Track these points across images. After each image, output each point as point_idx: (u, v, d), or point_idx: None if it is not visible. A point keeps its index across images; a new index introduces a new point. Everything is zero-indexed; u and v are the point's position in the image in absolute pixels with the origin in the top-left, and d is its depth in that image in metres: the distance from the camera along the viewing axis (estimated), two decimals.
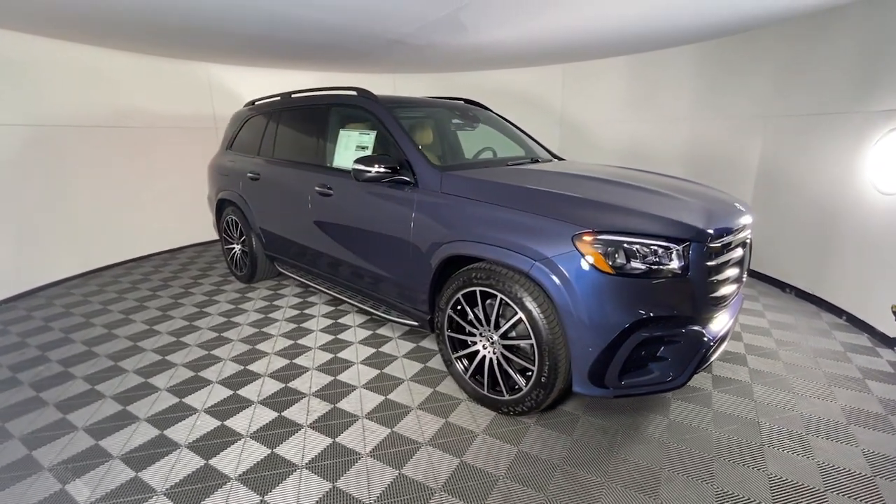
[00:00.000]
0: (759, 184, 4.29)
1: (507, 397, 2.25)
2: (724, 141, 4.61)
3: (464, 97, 3.97)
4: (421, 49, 4.77)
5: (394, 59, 5.47)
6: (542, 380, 2.08)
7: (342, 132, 3.21)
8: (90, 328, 3.45)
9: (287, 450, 2.07)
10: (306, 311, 3.68)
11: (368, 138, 2.98)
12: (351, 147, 3.09)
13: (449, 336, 2.47)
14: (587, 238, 1.91)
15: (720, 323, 2.09)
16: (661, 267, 1.88)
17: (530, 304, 2.04)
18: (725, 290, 2.11)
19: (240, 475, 1.92)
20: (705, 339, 1.98)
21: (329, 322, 3.46)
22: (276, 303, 3.88)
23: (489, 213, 2.23)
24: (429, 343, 3.10)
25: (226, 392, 2.55)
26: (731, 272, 2.16)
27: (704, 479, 1.87)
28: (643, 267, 1.87)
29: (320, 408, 2.39)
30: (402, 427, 2.22)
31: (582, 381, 1.99)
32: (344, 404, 2.41)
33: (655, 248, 1.88)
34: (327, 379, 2.67)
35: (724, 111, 4.59)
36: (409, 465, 1.96)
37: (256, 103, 4.25)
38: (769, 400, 2.41)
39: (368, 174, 2.61)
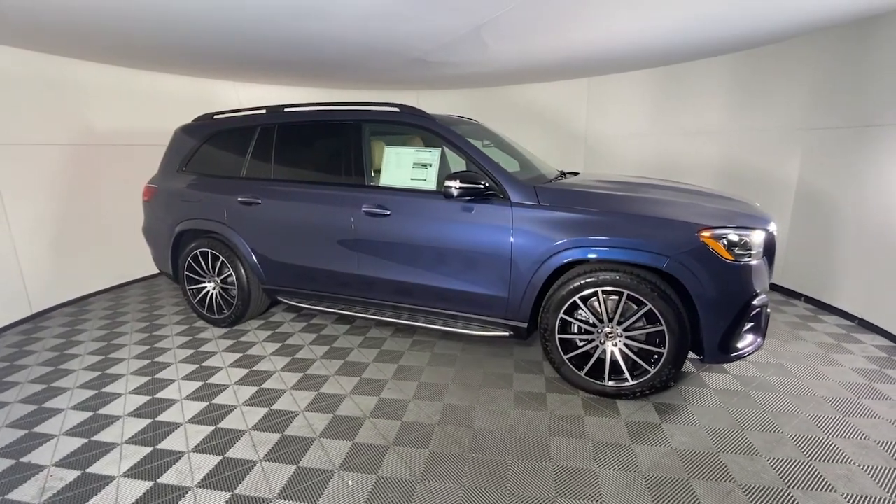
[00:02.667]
0: (800, 198, 4.07)
1: (632, 383, 2.51)
2: (758, 155, 4.43)
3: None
4: (441, 66, 4.74)
5: (413, 77, 5.41)
6: (672, 359, 2.40)
7: (389, 149, 3.08)
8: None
9: None
10: (337, 345, 3.34)
11: (430, 155, 2.93)
12: (405, 165, 2.99)
13: (560, 339, 2.62)
14: (706, 234, 2.31)
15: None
16: (757, 251, 2.38)
17: (661, 296, 2.34)
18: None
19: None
20: (768, 309, 2.55)
21: (392, 349, 3.23)
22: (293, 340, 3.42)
23: (604, 220, 2.48)
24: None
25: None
26: None
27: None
28: (748, 252, 2.35)
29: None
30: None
31: (712, 352, 2.37)
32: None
33: (752, 236, 2.37)
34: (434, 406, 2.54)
35: (758, 124, 4.40)
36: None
37: (218, 117, 3.70)
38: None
39: (463, 191, 2.62)
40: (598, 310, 2.52)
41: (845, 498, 1.84)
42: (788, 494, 1.87)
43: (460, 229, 2.77)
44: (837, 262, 3.72)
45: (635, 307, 2.45)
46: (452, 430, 2.34)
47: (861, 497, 1.85)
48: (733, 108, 4.65)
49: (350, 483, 1.99)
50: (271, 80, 5.73)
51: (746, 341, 2.43)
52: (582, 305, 2.54)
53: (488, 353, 3.18)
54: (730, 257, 2.30)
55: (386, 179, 3.05)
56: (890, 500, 1.83)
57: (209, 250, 3.60)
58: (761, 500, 1.85)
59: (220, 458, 2.17)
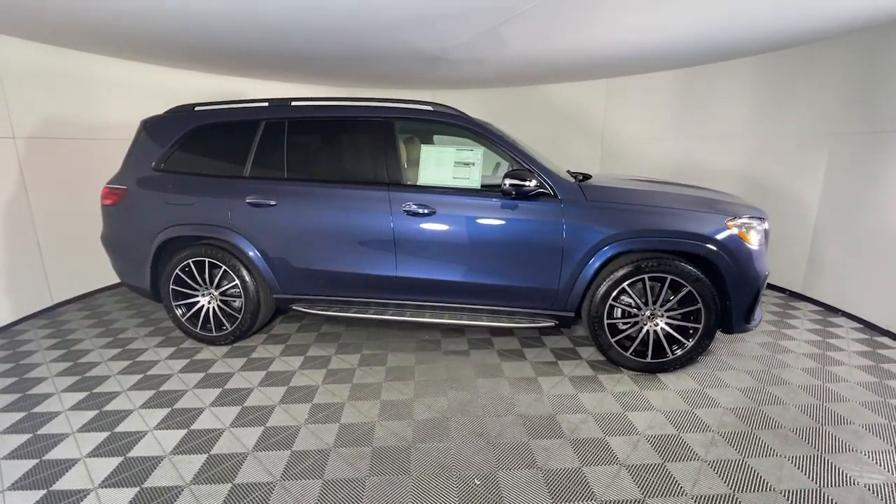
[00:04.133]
0: (825, 204, 3.97)
1: (672, 356, 2.84)
2: (783, 159, 4.30)
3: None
4: (457, 65, 4.64)
5: (427, 76, 5.27)
6: (706, 333, 2.78)
7: (427, 148, 3.04)
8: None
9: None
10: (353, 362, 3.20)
11: (473, 154, 2.97)
12: (446, 163, 3.00)
13: (608, 323, 2.86)
14: (732, 223, 2.72)
15: None
16: (764, 238, 2.86)
17: (698, 279, 2.70)
18: None
19: None
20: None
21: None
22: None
23: (647, 214, 2.77)
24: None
25: None
26: None
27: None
28: (761, 238, 2.81)
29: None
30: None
31: (739, 323, 2.80)
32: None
33: (762, 226, 2.84)
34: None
35: (783, 128, 4.27)
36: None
37: (201, 110, 3.31)
38: None
39: (523, 190, 2.75)
40: (644, 295, 2.81)
41: None
42: (823, 430, 2.32)
43: (513, 227, 2.87)
44: (869, 270, 3.57)
45: (671, 290, 2.78)
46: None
47: None
48: (757, 112, 4.51)
49: (477, 482, 1.99)
50: (279, 77, 5.63)
51: (757, 314, 2.91)
52: (630, 291, 2.81)
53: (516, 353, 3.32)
54: (751, 243, 2.74)
55: (425, 178, 3.02)
56: None
57: (206, 259, 3.18)
58: (811, 433, 2.27)
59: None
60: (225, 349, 3.29)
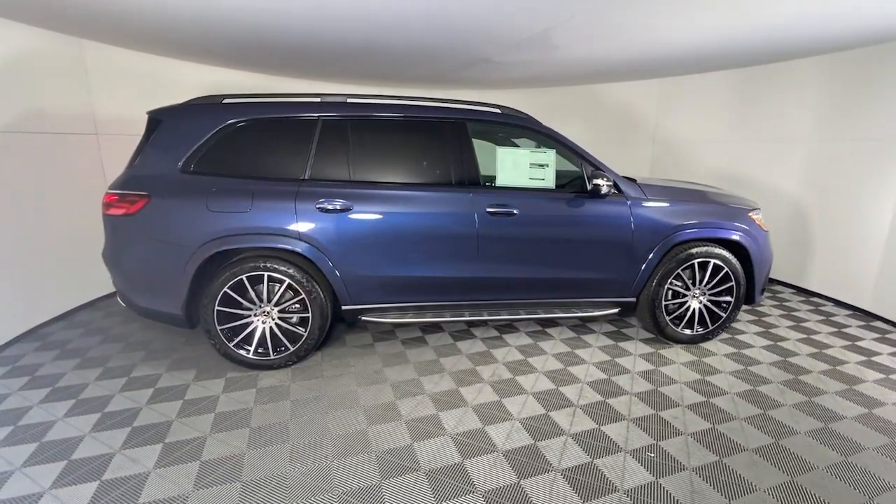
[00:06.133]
0: None
1: (711, 327, 3.37)
2: (855, 165, 4.00)
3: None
4: (504, 67, 4.54)
5: (475, 77, 5.09)
6: (737, 304, 3.36)
7: (502, 150, 3.11)
8: None
9: None
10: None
11: (546, 156, 3.13)
12: (522, 165, 3.11)
13: (668, 304, 3.28)
14: (752, 214, 3.34)
15: None
16: None
17: (734, 259, 3.26)
18: None
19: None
20: None
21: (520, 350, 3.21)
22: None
23: (696, 208, 3.25)
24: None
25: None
26: None
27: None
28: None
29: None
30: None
31: (758, 296, 3.43)
32: None
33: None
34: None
35: (855, 132, 3.98)
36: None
37: (231, 102, 2.91)
38: None
39: (606, 189, 3.00)
40: (693, 277, 3.29)
41: None
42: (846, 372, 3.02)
43: (590, 224, 3.11)
44: None
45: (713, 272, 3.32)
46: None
47: None
48: (826, 115, 4.20)
49: (651, 454, 2.19)
50: (322, 77, 5.63)
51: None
52: (682, 275, 3.26)
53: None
54: (766, 229, 3.40)
55: (503, 180, 3.10)
56: None
57: (266, 274, 2.81)
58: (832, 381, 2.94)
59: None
60: (287, 371, 2.94)
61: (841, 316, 3.99)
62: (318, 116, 2.94)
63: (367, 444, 2.25)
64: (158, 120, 2.87)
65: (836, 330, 3.69)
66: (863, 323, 3.84)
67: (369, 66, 4.77)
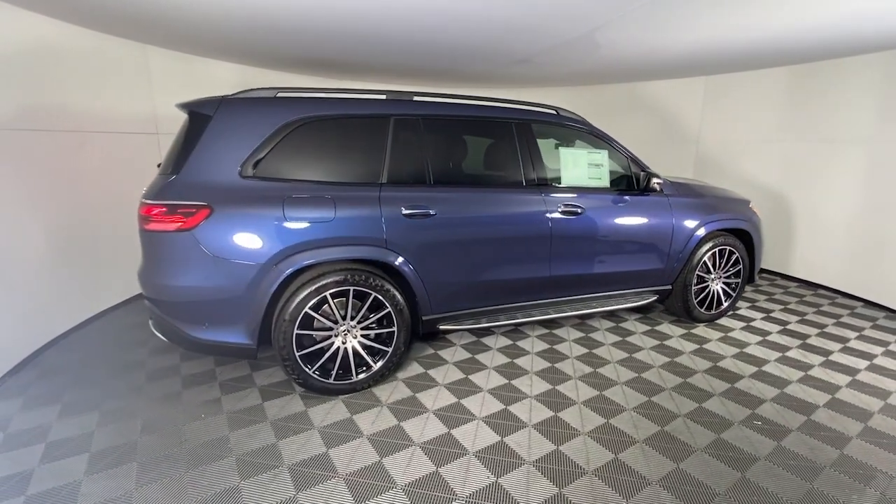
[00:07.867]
0: None
1: (725, 306, 3.84)
2: None
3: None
4: (544, 67, 4.43)
5: (515, 76, 4.99)
6: (743, 285, 3.88)
7: (564, 150, 3.18)
8: None
9: None
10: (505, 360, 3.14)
11: (601, 157, 3.27)
12: (581, 165, 3.22)
13: (694, 289, 3.66)
14: (751, 204, 3.88)
15: None
16: None
17: (742, 247, 3.76)
18: None
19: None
20: None
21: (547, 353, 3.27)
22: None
23: (717, 202, 3.67)
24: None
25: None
26: None
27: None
28: None
29: None
30: None
31: (756, 280, 3.98)
32: None
33: None
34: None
35: None
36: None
37: (287, 96, 2.62)
38: None
39: (658, 188, 3.26)
40: (715, 263, 3.71)
41: None
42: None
43: (642, 219, 3.35)
44: None
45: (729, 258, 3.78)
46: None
47: None
48: (890, 114, 3.99)
49: (758, 422, 2.47)
50: (369, 79, 5.78)
51: None
52: (708, 262, 3.66)
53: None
54: (760, 218, 3.96)
55: (567, 179, 3.17)
56: None
57: (352, 288, 2.53)
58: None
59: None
60: (367, 393, 2.69)
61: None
62: (391, 114, 2.72)
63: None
64: (205, 115, 2.42)
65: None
66: None
67: (414, 65, 4.67)
